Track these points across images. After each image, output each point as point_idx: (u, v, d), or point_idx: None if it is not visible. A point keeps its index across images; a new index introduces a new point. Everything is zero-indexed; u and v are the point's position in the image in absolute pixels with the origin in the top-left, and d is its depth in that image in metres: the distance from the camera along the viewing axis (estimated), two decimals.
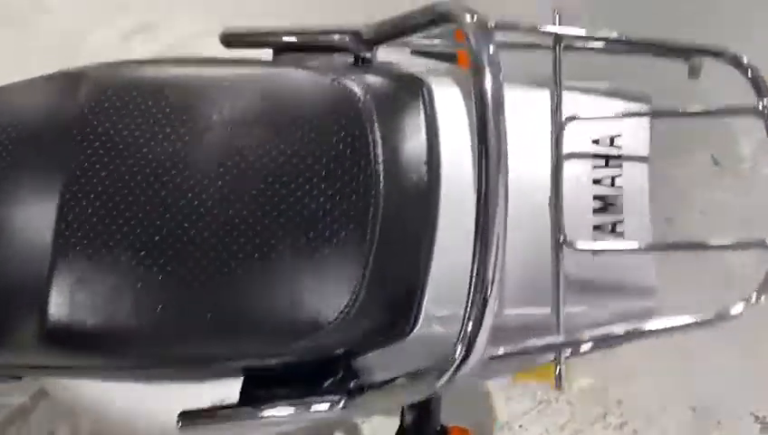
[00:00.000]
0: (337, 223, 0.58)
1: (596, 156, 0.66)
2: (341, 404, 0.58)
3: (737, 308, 0.56)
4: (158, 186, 0.58)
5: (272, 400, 0.59)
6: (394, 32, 0.65)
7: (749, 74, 0.62)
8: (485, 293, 0.50)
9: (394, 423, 0.79)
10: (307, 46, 0.68)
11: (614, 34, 0.66)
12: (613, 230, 0.65)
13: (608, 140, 0.67)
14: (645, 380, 1.18)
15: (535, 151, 0.65)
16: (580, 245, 0.60)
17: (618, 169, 0.66)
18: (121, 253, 0.57)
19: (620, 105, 0.68)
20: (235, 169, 0.59)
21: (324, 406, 0.58)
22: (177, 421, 0.60)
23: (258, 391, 0.60)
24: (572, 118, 0.64)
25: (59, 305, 0.56)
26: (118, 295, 0.57)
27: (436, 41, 0.71)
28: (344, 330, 0.58)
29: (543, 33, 0.65)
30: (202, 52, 0.75)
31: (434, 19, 0.60)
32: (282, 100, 0.63)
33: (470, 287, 0.51)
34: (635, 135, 0.67)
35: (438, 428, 0.77)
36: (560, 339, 0.59)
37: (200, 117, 0.60)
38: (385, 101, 0.63)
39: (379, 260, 0.58)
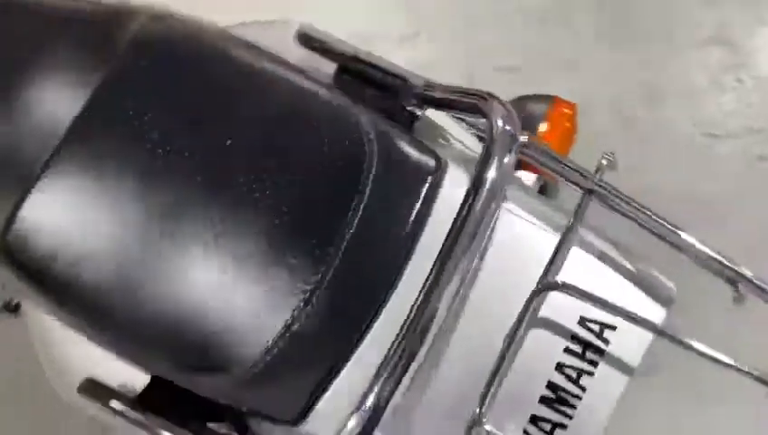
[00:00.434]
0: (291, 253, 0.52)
1: (574, 338, 0.54)
2: None
3: None
4: (163, 152, 0.54)
5: (162, 413, 0.54)
6: (441, 102, 0.60)
7: None
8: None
9: None
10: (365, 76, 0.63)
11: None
12: (551, 433, 0.53)
13: (597, 327, 0.54)
14: None
15: (511, 298, 0.54)
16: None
17: (592, 367, 0.54)
18: (120, 182, 0.53)
19: (633, 294, 0.55)
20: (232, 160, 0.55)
21: None
22: (80, 384, 0.56)
23: (156, 396, 0.55)
24: (556, 286, 0.53)
25: (35, 204, 0.53)
26: (93, 224, 0.53)
27: None
28: (244, 386, 0.52)
29: (573, 179, 0.56)
30: None
31: (474, 107, 0.56)
32: (298, 116, 0.58)
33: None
34: (631, 338, 0.54)
35: None
36: None
37: (221, 102, 0.57)
38: (390, 169, 0.57)
39: (308, 319, 0.51)
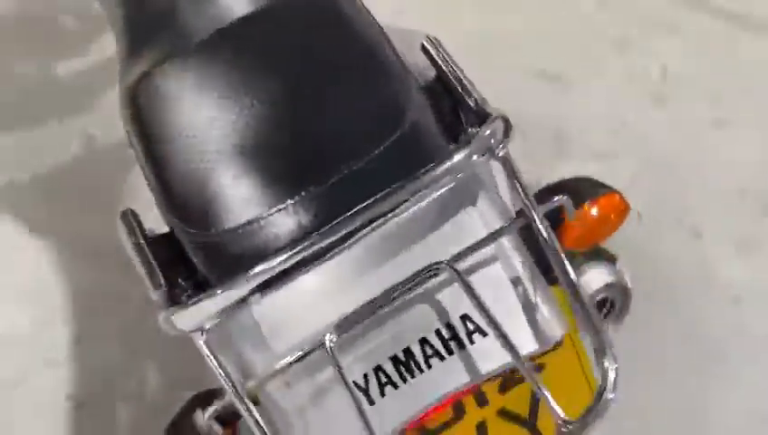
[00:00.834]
0: None
1: (449, 326, 0.58)
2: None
3: None
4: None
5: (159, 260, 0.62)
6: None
7: None
8: None
9: None
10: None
11: None
12: (383, 386, 0.57)
13: (472, 327, 0.58)
14: None
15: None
16: None
17: (446, 353, 0.58)
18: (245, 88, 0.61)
19: (518, 318, 0.59)
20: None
21: None
22: (122, 211, 0.66)
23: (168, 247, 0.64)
24: (454, 270, 0.56)
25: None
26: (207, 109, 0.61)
27: None
28: None
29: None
30: None
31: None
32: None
33: None
34: (494, 352, 0.58)
35: None
36: None
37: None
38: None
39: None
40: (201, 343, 0.51)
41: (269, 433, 0.51)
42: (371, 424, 0.51)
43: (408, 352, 0.54)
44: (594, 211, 0.67)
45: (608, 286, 0.93)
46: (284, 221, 0.55)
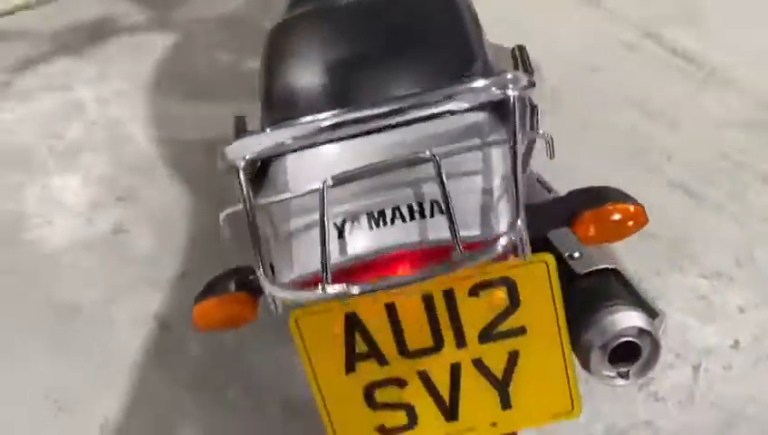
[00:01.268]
0: None
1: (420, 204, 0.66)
2: None
3: None
4: None
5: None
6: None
7: None
8: None
9: None
10: None
11: None
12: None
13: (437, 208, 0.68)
14: None
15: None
16: None
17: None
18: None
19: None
20: None
21: None
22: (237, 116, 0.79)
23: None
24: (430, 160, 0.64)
25: None
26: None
27: None
28: None
29: None
30: None
31: None
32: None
33: None
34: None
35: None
36: None
37: None
38: None
39: None
40: (241, 169, 0.63)
41: (260, 249, 0.64)
42: (330, 248, 0.62)
43: (381, 212, 0.64)
44: (614, 213, 0.72)
45: (640, 332, 0.93)
46: (330, 107, 0.66)
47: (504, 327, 0.69)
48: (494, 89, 0.60)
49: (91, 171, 2.03)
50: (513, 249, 0.63)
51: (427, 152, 0.60)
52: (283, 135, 0.62)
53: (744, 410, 1.36)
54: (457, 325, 0.68)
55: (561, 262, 1.03)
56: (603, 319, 0.93)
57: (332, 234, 0.62)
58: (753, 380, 1.40)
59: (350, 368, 0.70)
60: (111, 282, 1.70)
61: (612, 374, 0.94)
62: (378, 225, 0.62)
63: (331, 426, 0.72)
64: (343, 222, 0.63)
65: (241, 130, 0.79)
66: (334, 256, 0.62)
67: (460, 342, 0.69)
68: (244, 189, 0.61)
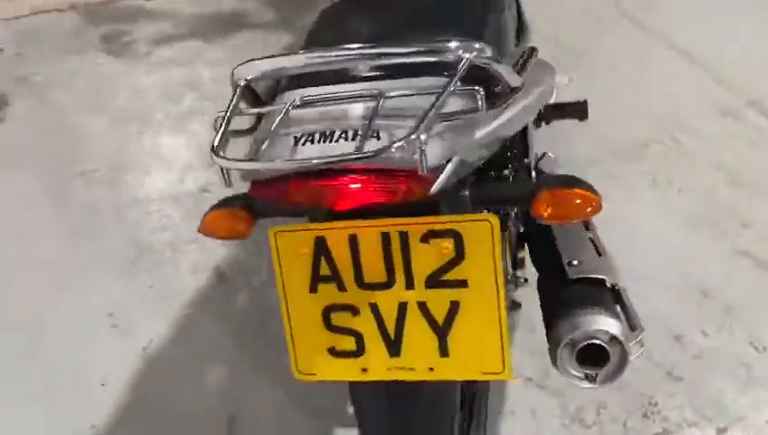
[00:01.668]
0: None
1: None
2: None
3: None
4: None
5: None
6: None
7: None
8: None
9: None
10: None
11: None
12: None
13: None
14: None
15: None
16: None
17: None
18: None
19: None
20: None
21: None
22: None
23: None
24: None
25: None
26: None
27: None
28: None
29: None
30: None
31: None
32: None
33: None
34: None
35: None
36: None
37: None
38: None
39: None
40: (240, 86, 0.73)
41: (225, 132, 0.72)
42: (285, 153, 0.72)
43: (332, 132, 0.72)
44: (571, 195, 0.77)
45: (611, 339, 0.97)
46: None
47: (448, 277, 0.76)
48: (454, 50, 0.68)
49: (193, 137, 2.28)
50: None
51: (378, 92, 0.70)
52: (279, 62, 0.73)
53: None
54: (408, 267, 0.76)
55: (559, 267, 1.08)
56: (579, 317, 0.97)
57: (290, 142, 0.73)
58: None
59: (313, 288, 0.80)
60: (185, 233, 1.90)
61: (579, 375, 0.98)
62: (325, 140, 0.71)
63: (291, 340, 0.83)
64: (300, 136, 0.73)
65: None
66: (287, 157, 0.72)
67: (409, 283, 0.77)
68: (234, 100, 0.73)
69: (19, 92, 2.30)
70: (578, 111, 1.60)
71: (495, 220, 0.74)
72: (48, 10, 3.01)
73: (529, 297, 1.25)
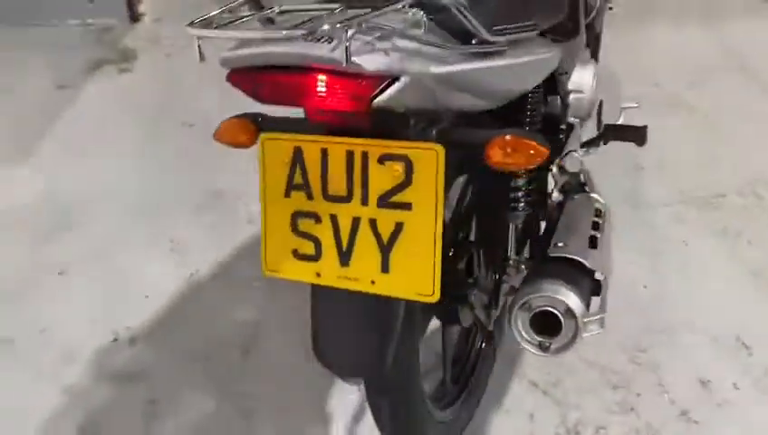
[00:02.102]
0: None
1: None
2: None
3: None
4: None
5: None
6: None
7: None
8: None
9: None
10: None
11: None
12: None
13: None
14: None
15: None
16: None
17: None
18: None
19: None
20: None
21: None
22: None
23: None
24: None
25: None
26: None
27: None
28: None
29: None
30: None
31: None
32: None
33: None
34: None
35: None
36: None
37: None
38: None
39: None
40: None
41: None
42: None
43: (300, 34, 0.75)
44: (524, 145, 0.83)
45: (567, 311, 1.00)
46: None
47: (396, 199, 0.84)
48: None
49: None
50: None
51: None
52: None
53: None
54: (365, 185, 0.85)
55: (546, 247, 1.13)
56: (542, 285, 1.03)
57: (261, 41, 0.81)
58: None
59: (287, 194, 0.91)
60: (253, 188, 2.08)
61: (533, 342, 1.03)
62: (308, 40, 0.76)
63: (264, 239, 0.94)
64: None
65: None
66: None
67: (364, 200, 0.86)
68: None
69: (149, 50, 2.62)
70: (637, 135, 1.62)
71: (441, 150, 0.82)
72: None
73: None
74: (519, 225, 1.24)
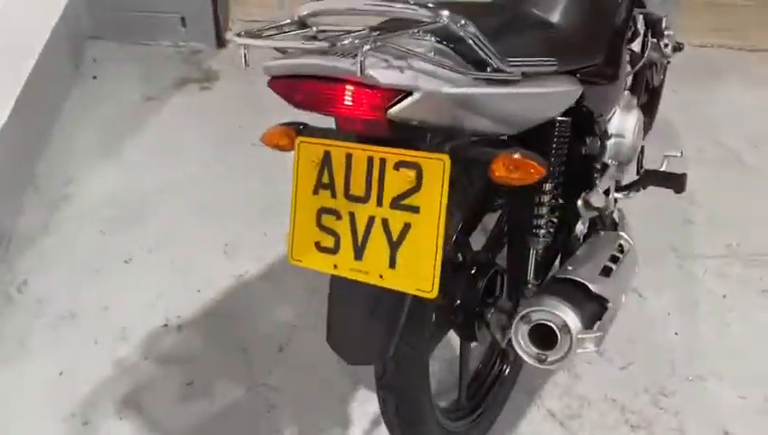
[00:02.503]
0: None
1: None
2: None
3: None
4: None
5: None
6: None
7: None
8: None
9: None
10: None
11: None
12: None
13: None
14: None
15: None
16: None
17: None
18: None
19: None
20: None
21: None
22: None
23: None
24: None
25: None
26: None
27: None
28: None
29: None
30: None
31: None
32: None
33: None
34: None
35: None
36: None
37: None
38: None
39: None
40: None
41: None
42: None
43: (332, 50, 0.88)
44: (526, 164, 0.92)
45: (564, 326, 1.06)
46: None
47: (407, 202, 0.94)
48: (437, 14, 0.84)
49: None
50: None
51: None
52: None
53: None
54: (381, 188, 0.96)
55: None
56: (543, 301, 1.10)
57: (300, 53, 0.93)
58: None
59: (316, 191, 1.03)
60: None
61: (532, 354, 1.10)
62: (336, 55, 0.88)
63: (292, 231, 1.06)
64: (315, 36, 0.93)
65: None
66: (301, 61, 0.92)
67: (379, 201, 0.96)
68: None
69: (230, 73, 2.84)
70: (676, 182, 1.66)
71: (447, 160, 0.92)
72: None
73: None
74: (539, 250, 1.31)
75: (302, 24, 0.96)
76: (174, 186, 2.26)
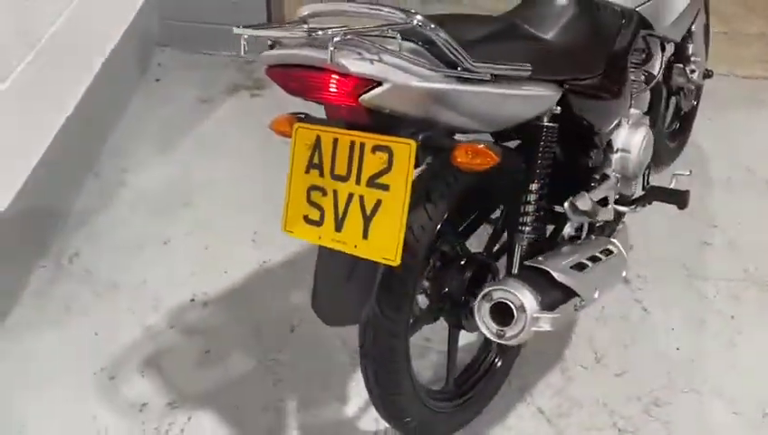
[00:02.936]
0: None
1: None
2: None
3: None
4: None
5: None
6: None
7: None
8: None
9: None
10: None
11: None
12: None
13: None
14: None
15: None
16: None
17: None
18: None
19: None
20: None
21: None
22: None
23: None
24: None
25: None
26: None
27: None
28: None
29: None
30: None
31: None
32: None
33: None
34: None
35: None
36: None
37: None
38: None
39: None
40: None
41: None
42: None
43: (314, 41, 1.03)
44: (483, 151, 1.03)
45: (521, 307, 1.16)
46: None
47: (380, 181, 1.07)
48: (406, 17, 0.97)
49: None
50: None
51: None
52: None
53: None
54: (360, 168, 1.09)
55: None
56: (507, 283, 1.20)
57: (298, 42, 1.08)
58: None
59: (307, 170, 1.17)
60: None
61: (492, 329, 1.20)
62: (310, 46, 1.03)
63: (286, 205, 1.21)
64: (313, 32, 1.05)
65: None
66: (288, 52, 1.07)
67: (358, 180, 1.10)
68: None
69: None
70: (679, 199, 1.72)
71: (414, 144, 1.05)
72: None
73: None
74: (524, 246, 1.41)
75: (302, 23, 1.11)
76: (215, 179, 2.46)
